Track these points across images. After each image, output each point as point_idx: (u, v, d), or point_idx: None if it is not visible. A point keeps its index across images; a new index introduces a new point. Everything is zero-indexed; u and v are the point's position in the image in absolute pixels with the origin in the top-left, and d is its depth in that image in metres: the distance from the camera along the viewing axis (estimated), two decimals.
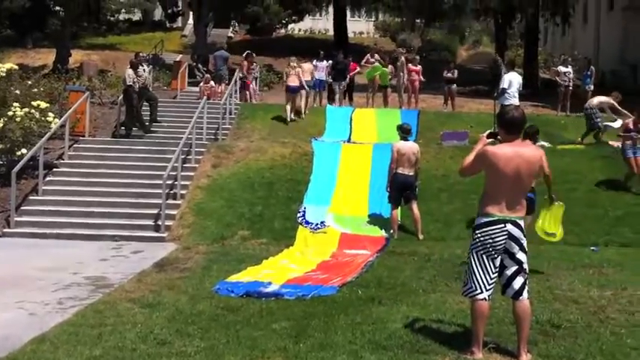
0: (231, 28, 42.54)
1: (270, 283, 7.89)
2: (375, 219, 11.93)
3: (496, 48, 32.47)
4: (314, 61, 20.20)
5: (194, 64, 28.08)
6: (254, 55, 22.15)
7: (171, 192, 12.77)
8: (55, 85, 18.96)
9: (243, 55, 22.12)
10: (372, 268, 8.93)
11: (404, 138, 11.47)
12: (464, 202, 12.59)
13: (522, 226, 5.24)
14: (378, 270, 8.76)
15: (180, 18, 44.28)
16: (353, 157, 14.43)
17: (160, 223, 11.79)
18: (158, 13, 45.67)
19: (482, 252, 5.22)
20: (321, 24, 46.44)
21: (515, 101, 15.60)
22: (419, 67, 20.60)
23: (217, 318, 6.44)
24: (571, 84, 20.72)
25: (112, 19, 29.10)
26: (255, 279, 8.13)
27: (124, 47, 34.21)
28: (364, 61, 21.30)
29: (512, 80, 15.66)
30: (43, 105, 14.75)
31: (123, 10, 33.41)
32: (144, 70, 17.23)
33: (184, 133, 14.23)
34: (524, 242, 5.25)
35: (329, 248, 10.63)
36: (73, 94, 16.56)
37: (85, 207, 12.52)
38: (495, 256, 5.20)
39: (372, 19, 47.23)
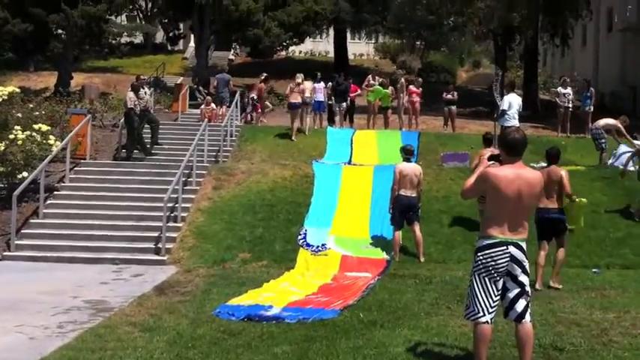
0: (232, 51, 42.79)
1: (271, 307, 7.85)
2: (376, 241, 11.90)
3: (495, 70, 32.62)
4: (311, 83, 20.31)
5: (195, 86, 28.21)
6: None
7: (172, 215, 12.76)
8: (57, 108, 19.05)
9: (261, 77, 22.05)
10: (374, 291, 8.88)
11: (407, 159, 11.47)
12: (465, 224, 12.58)
13: (524, 248, 5.21)
14: (380, 293, 8.72)
15: (181, 41, 44.50)
16: (354, 179, 14.43)
17: (160, 245, 11.76)
18: (160, 36, 45.93)
19: (484, 274, 5.18)
20: (321, 46, 46.77)
21: (516, 122, 15.68)
22: (419, 89, 20.74)
23: (218, 342, 6.40)
24: (571, 105, 20.80)
25: (113, 42, 29.18)
26: (255, 302, 8.09)
27: (126, 70, 34.44)
28: (365, 83, 21.44)
29: (512, 102, 15.73)
30: (45, 128, 14.80)
31: (125, 34, 33.55)
32: (145, 92, 17.31)
33: (185, 155, 14.26)
34: (527, 264, 5.24)
35: (330, 271, 10.59)
36: (75, 117, 16.63)
37: (85, 230, 12.50)
38: (497, 278, 5.17)
39: (373, 41, 47.56)
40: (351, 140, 17.72)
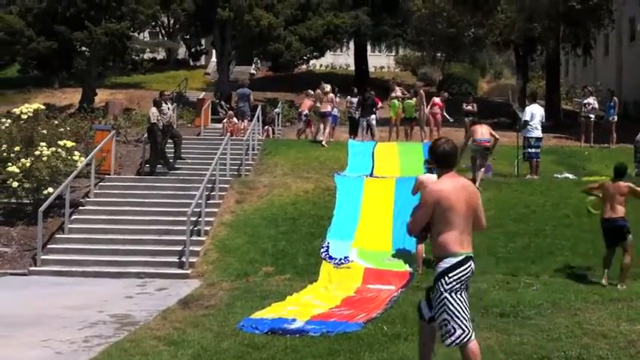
0: (253, 65, 43.11)
1: (294, 320, 7.86)
2: (399, 253, 11.86)
3: (518, 80, 32.47)
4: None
5: (217, 101, 28.44)
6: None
7: (195, 228, 12.84)
8: (81, 124, 19.32)
9: (327, 88, 20.95)
10: (397, 304, 8.85)
11: (430, 170, 11.43)
12: (488, 236, 12.46)
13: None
14: (403, 306, 8.68)
15: (203, 56, 44.96)
16: (376, 191, 14.41)
17: (184, 259, 11.83)
18: (182, 52, 46.43)
19: (459, 291, 5.04)
20: (342, 59, 46.92)
21: (539, 133, 15.61)
22: (442, 103, 20.75)
23: (242, 355, 6.42)
24: (593, 115, 20.61)
25: (136, 58, 29.58)
26: (279, 315, 8.10)
27: (149, 86, 34.84)
28: (391, 97, 21.31)
29: (534, 112, 15.66)
30: (70, 144, 15.00)
31: (147, 50, 33.99)
32: (168, 108, 17.47)
33: (208, 169, 14.35)
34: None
35: (353, 284, 10.57)
36: (99, 133, 16.84)
37: (110, 244, 12.62)
38: (465, 294, 5.11)
39: (393, 54, 47.62)
40: (373, 152, 17.72)
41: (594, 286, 9.76)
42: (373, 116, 20.49)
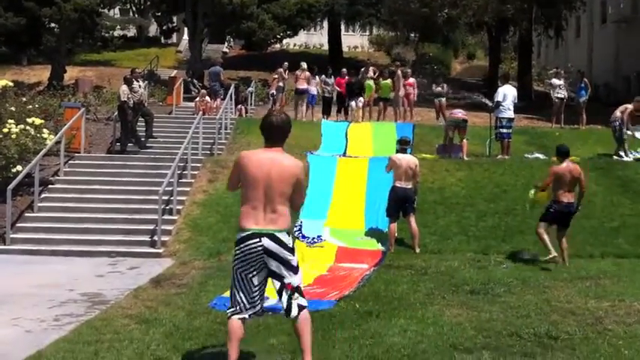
0: (226, 44, 42.69)
1: (267, 298, 7.84)
2: (371, 232, 11.92)
3: (490, 61, 32.65)
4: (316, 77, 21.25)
5: (189, 79, 28.17)
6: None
7: (167, 207, 12.75)
8: (50, 101, 19.02)
9: (303, 66, 21.39)
10: (369, 282, 8.90)
11: (403, 150, 11.48)
12: (460, 215, 12.62)
13: (282, 239, 4.89)
14: (375, 284, 8.74)
15: (175, 34, 44.37)
16: (349, 170, 14.44)
17: (155, 238, 11.76)
18: (153, 29, 45.81)
19: (239, 269, 4.93)
20: (315, 39, 46.68)
21: (511, 114, 15.74)
22: (412, 80, 20.82)
23: (214, 333, 6.41)
24: (565, 96, 20.85)
25: (107, 35, 29.11)
26: None
27: (119, 63, 34.33)
28: (360, 76, 21.56)
29: (506, 93, 15.77)
30: (38, 122, 14.76)
31: (118, 27, 33.47)
32: (139, 86, 17.28)
33: (180, 148, 14.24)
34: (288, 256, 4.93)
35: (326, 262, 10.61)
36: (69, 111, 16.59)
37: (80, 223, 12.49)
38: (254, 273, 4.91)
39: (367, 34, 47.48)
40: (346, 132, 17.73)
41: (562, 264, 9.90)
42: (361, 98, 20.54)
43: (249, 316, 5.01)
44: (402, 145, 11.57)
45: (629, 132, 16.58)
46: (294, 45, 45.70)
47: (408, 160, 11.29)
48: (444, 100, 20.96)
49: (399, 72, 20.89)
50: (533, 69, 32.86)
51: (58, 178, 14.30)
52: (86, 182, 14.15)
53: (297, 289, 4.98)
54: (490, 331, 6.31)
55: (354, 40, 46.91)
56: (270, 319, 6.96)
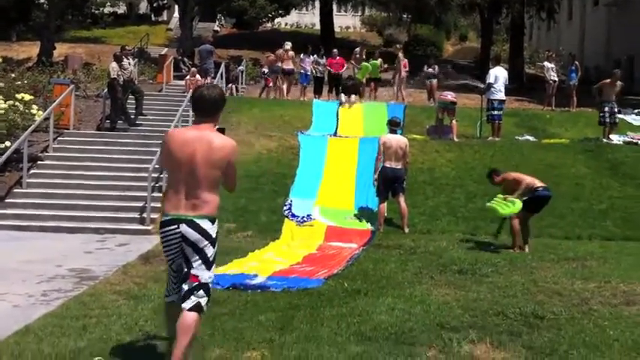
0: (217, 22, 42.38)
1: (256, 276, 7.88)
2: (361, 212, 11.96)
3: (482, 43, 32.59)
4: (301, 55, 20.79)
5: (180, 57, 27.98)
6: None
7: (157, 185, 12.72)
8: (40, 78, 18.87)
9: (287, 46, 21.26)
10: (358, 261, 8.94)
11: (393, 131, 11.49)
12: (449, 196, 12.66)
13: (204, 226, 4.46)
14: (364, 263, 8.77)
15: (165, 11, 44.06)
16: (339, 150, 14.44)
17: (145, 215, 11.74)
18: (143, 7, 45.41)
19: (165, 254, 4.63)
20: (307, 18, 46.40)
21: (502, 96, 15.76)
22: (405, 61, 20.86)
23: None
24: (556, 79, 20.91)
25: (96, 12, 28.87)
26: (241, 271, 8.12)
27: (109, 40, 34.04)
28: (353, 57, 21.50)
29: (498, 75, 15.78)
30: (27, 98, 14.67)
31: (108, 3, 33.14)
32: (129, 63, 17.14)
33: (170, 125, 14.16)
34: (204, 246, 4.48)
35: (315, 241, 10.64)
36: (58, 87, 16.46)
37: (69, 200, 12.44)
38: (172, 259, 4.58)
39: (359, 14, 47.24)
40: (337, 112, 17.69)
41: (550, 245, 9.97)
42: (353, 96, 18.75)
43: (175, 300, 4.58)
44: (392, 127, 11.58)
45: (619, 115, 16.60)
46: (286, 24, 45.42)
47: (398, 140, 11.29)
48: (435, 81, 21.00)
49: (400, 54, 20.97)
50: (525, 51, 32.83)
51: (47, 154, 14.22)
52: (75, 159, 14.08)
53: (203, 286, 4.49)
54: (477, 310, 6.35)
55: (346, 21, 46.66)
56: (259, 296, 6.99)
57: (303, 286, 7.44)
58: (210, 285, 4.57)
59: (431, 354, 5.14)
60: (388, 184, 11.18)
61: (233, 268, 8.36)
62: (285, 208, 12.02)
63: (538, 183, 9.88)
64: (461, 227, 11.34)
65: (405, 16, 37.32)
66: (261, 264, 8.72)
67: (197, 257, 4.47)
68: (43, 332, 5.66)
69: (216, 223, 4.56)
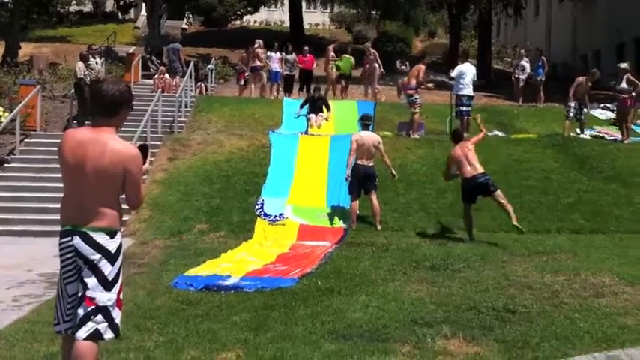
0: (185, 20, 42.10)
1: (229, 276, 7.87)
2: (333, 210, 11.97)
3: (451, 39, 32.83)
4: (267, 52, 20.71)
5: (148, 56, 27.74)
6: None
7: None
8: (5, 78, 18.60)
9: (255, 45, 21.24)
10: (331, 259, 8.96)
11: (365, 126, 11.52)
12: (421, 193, 12.74)
13: (97, 240, 3.93)
14: (337, 261, 8.80)
15: (132, 9, 43.61)
16: (311, 149, 14.45)
17: None
18: (110, 5, 44.89)
19: (60, 273, 4.04)
20: (276, 15, 46.27)
21: (470, 91, 15.86)
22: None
23: (176, 312, 6.40)
24: (524, 76, 21.18)
25: (62, 10, 28.49)
26: (213, 272, 8.09)
27: (76, 39, 33.60)
28: (328, 57, 21.37)
29: (464, 71, 15.85)
30: None
31: (74, 2, 32.75)
32: (96, 62, 16.98)
33: (139, 126, 14.05)
34: (100, 262, 3.94)
35: (288, 240, 10.64)
36: (24, 88, 16.25)
37: (38, 203, 12.26)
38: (68, 280, 3.99)
39: (328, 11, 47.25)
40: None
41: (520, 239, 10.09)
42: (321, 114, 16.88)
43: (66, 331, 4.00)
44: (365, 121, 11.62)
45: (585, 110, 16.82)
46: (255, 22, 45.27)
47: (371, 137, 11.32)
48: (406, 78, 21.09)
49: (374, 51, 21.00)
50: (493, 47, 33.15)
51: (14, 157, 14.01)
52: (43, 161, 13.86)
53: (101, 310, 3.90)
54: (450, 305, 6.41)
55: (315, 18, 46.64)
56: (233, 297, 6.98)
57: (276, 285, 7.44)
58: (112, 308, 3.95)
59: (405, 350, 5.18)
60: (360, 181, 11.21)
61: (206, 269, 8.34)
62: (257, 207, 11.99)
63: (470, 171, 10.09)
64: (432, 223, 11.43)
65: (374, 12, 37.45)
66: (234, 264, 8.71)
67: (92, 276, 3.90)
68: (15, 338, 5.60)
69: (118, 236, 4.02)
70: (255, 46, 21.03)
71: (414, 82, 15.72)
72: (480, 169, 10.19)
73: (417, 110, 15.70)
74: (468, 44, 34.84)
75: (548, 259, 8.73)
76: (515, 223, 10.04)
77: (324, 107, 16.93)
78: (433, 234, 10.67)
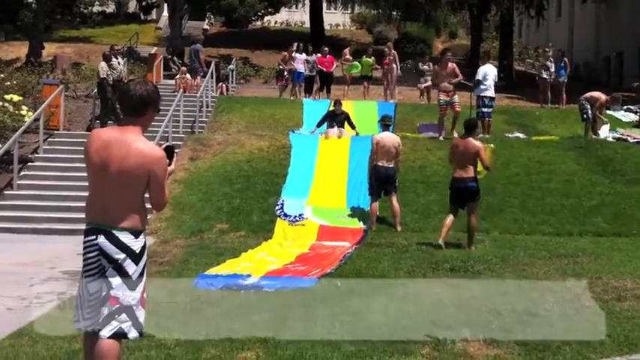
0: (206, 21, 42.31)
1: (249, 276, 7.90)
2: (353, 211, 11.97)
3: (472, 40, 32.67)
4: (293, 53, 20.75)
5: (169, 56, 27.93)
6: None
7: None
8: (29, 78, 18.79)
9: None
10: (351, 260, 8.96)
11: (386, 126, 11.50)
12: (441, 194, 12.64)
13: (122, 239, 3.89)
14: (357, 261, 8.80)
15: (154, 10, 43.91)
16: (331, 149, 14.44)
17: None
18: (132, 5, 45.23)
19: (82, 271, 4.00)
20: (297, 16, 46.32)
21: (492, 93, 15.79)
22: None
23: (197, 311, 6.44)
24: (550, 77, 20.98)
25: (85, 11, 28.79)
26: (234, 272, 8.13)
27: (98, 40, 33.90)
28: (343, 58, 21.52)
29: (487, 72, 15.80)
30: (17, 98, 14.61)
31: (97, 3, 33.06)
32: (118, 62, 17.12)
33: (160, 126, 14.15)
34: (125, 262, 3.90)
35: (308, 240, 10.65)
36: (47, 88, 16.40)
37: (61, 201, 12.40)
38: (90, 278, 3.94)
39: (349, 12, 47.23)
40: (328, 111, 17.69)
41: (541, 242, 10.02)
42: (343, 129, 15.32)
43: (86, 328, 3.98)
44: (386, 122, 11.61)
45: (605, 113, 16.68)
46: (276, 22, 45.36)
47: (391, 139, 11.30)
48: (429, 78, 20.98)
49: (394, 52, 20.90)
50: (515, 48, 32.94)
51: (37, 155, 14.17)
52: (66, 160, 14.02)
53: (126, 310, 3.89)
54: (469, 307, 6.39)
55: (335, 18, 46.62)
56: (252, 296, 7.01)
57: (296, 285, 7.47)
58: (136, 308, 3.93)
59: (425, 352, 5.18)
60: (380, 182, 11.20)
61: (226, 268, 8.38)
62: (277, 207, 12.02)
63: (459, 172, 9.56)
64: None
65: (394, 13, 37.36)
66: (254, 264, 8.74)
67: (117, 276, 3.88)
68: (38, 335, 5.66)
69: (142, 236, 3.99)
70: (293, 48, 21.13)
71: (448, 84, 15.42)
72: (470, 174, 9.57)
73: (458, 109, 15.39)
74: (490, 45, 34.65)
75: (569, 262, 8.67)
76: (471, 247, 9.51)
77: (346, 123, 15.37)
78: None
